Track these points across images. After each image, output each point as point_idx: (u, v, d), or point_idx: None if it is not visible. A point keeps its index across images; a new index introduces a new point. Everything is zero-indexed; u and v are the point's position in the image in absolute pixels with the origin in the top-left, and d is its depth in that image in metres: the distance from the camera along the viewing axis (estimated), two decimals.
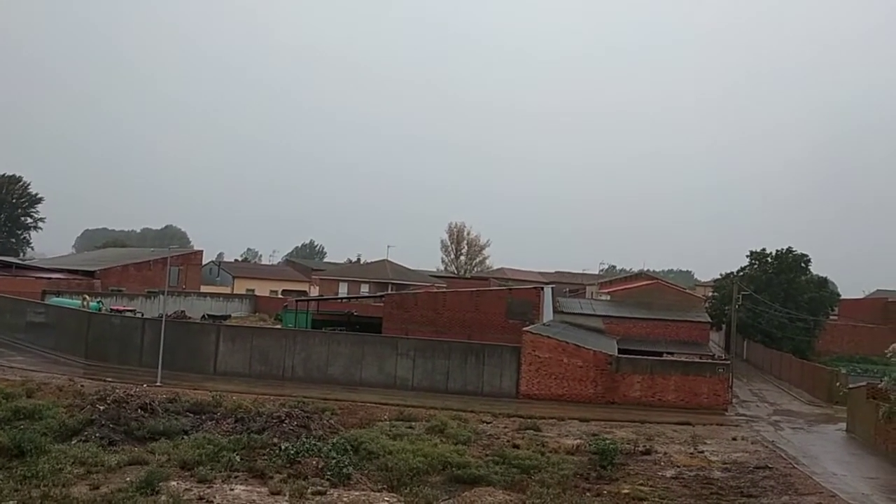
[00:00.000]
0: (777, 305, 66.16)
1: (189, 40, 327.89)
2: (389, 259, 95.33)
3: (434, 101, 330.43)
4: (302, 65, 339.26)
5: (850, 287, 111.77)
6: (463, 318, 52.37)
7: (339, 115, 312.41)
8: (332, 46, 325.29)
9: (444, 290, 65.46)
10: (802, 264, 71.96)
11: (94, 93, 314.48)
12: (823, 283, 73.35)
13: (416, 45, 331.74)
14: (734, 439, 33.27)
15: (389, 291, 68.25)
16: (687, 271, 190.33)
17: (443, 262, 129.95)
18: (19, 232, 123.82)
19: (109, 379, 37.31)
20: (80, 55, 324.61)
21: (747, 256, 74.84)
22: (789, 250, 72.63)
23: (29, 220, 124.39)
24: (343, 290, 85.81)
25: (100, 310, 53.41)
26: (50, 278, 71.71)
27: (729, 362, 47.77)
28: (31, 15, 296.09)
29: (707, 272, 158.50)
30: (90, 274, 78.18)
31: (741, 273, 73.29)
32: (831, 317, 77.42)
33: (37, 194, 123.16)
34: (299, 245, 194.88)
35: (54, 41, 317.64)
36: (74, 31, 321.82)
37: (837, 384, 47.36)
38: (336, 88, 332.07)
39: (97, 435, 25.43)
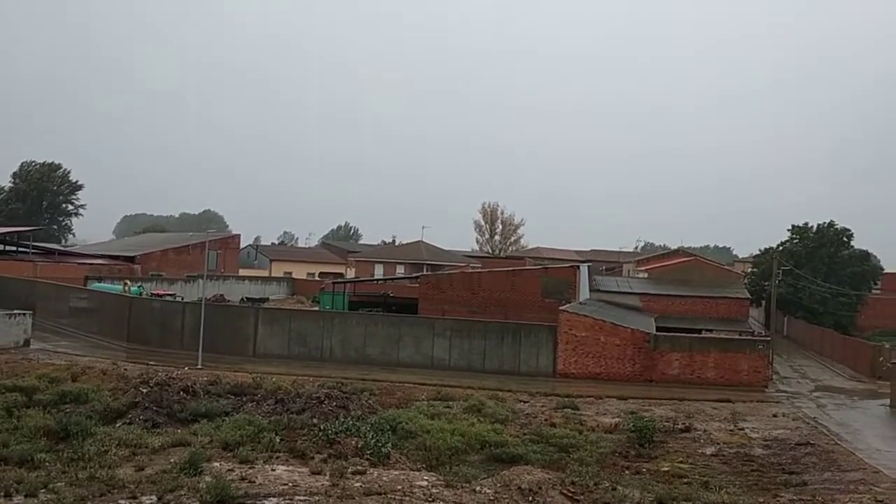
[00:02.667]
0: (818, 280, 65.16)
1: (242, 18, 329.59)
2: (424, 240, 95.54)
3: (466, 96, 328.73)
4: (337, 37, 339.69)
5: (894, 260, 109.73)
6: (499, 298, 52.33)
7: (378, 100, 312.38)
8: (376, 26, 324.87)
9: (480, 270, 65.40)
10: (844, 238, 70.80)
11: (132, 78, 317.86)
12: (866, 256, 72.17)
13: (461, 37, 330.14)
14: (775, 416, 32.91)
15: (425, 272, 68.37)
16: (725, 247, 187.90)
17: (477, 242, 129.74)
18: (61, 219, 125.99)
19: (152, 362, 37.92)
20: (121, 38, 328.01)
21: (788, 231, 73.81)
22: (831, 224, 71.49)
23: (70, 206, 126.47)
24: (379, 271, 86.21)
25: (141, 294, 54.27)
26: (91, 264, 73.02)
27: (769, 339, 47.24)
28: None
29: (746, 248, 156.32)
30: (130, 259, 79.52)
31: (781, 248, 72.21)
32: (874, 291, 76.09)
33: (77, 181, 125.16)
34: (334, 227, 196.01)
35: (99, 23, 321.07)
36: (128, 14, 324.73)
37: (881, 359, 46.57)
38: (369, 62, 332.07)
39: (141, 417, 25.95)
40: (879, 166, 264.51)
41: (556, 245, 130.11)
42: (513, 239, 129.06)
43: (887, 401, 37.94)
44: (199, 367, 37.55)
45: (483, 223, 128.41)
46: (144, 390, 28.30)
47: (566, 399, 33.49)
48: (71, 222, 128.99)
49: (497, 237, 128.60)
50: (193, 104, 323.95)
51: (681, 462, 24.33)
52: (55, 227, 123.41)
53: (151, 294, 55.76)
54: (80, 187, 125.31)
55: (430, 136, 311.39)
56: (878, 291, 79.02)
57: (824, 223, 71.72)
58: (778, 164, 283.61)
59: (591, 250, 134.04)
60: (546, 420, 29.55)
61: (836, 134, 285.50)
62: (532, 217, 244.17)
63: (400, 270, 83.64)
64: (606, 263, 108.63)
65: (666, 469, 23.38)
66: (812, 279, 64.93)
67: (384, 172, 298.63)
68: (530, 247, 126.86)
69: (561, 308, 43.40)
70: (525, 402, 33.46)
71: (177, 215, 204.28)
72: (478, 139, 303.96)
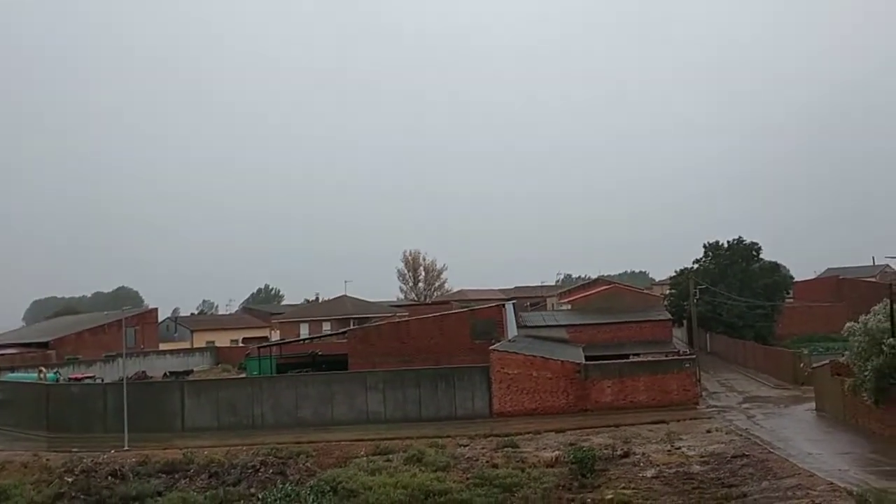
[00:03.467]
0: (734, 295, 67.21)
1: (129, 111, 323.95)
2: (348, 294, 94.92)
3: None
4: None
5: (801, 268, 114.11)
6: (429, 345, 52.03)
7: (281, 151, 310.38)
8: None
9: (407, 318, 65.05)
10: (753, 252, 73.25)
11: (24, 163, 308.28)
12: (775, 267, 74.69)
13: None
14: (709, 431, 33.60)
15: (352, 326, 67.75)
16: (642, 272, 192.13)
17: (401, 290, 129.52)
18: None
19: (75, 449, 36.34)
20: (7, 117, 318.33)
21: (704, 247, 75.93)
22: (740, 240, 73.94)
23: None
24: (304, 330, 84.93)
25: (57, 380, 52.16)
26: (2, 354, 69.85)
27: (694, 356, 48.27)
28: None
29: (662, 270, 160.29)
30: (44, 345, 76.35)
31: (696, 266, 74.34)
32: (787, 300, 78.78)
33: None
34: (255, 290, 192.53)
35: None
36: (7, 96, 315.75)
37: (801, 365, 48.20)
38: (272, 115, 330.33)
39: None
40: (783, 188, 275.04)
41: (480, 286, 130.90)
42: (437, 284, 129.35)
43: (812, 405, 39.21)
44: (126, 448, 36.21)
45: (406, 271, 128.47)
46: (70, 479, 27.16)
47: (506, 438, 33.52)
48: None
49: (421, 284, 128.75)
50: (94, 178, 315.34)
51: (624, 488, 24.55)
52: None
53: (69, 379, 53.62)
54: None
55: (345, 185, 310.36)
56: (791, 300, 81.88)
57: (734, 239, 74.19)
58: (686, 190, 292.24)
59: (515, 287, 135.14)
60: (488, 462, 29.45)
61: (741, 161, 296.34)
62: (453, 259, 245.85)
63: (326, 327, 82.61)
64: (531, 299, 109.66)
65: (610, 497, 23.56)
66: (728, 294, 66.94)
67: (301, 229, 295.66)
68: (455, 290, 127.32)
69: (491, 347, 43.56)
70: (465, 445, 33.31)
71: (90, 295, 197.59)
72: (386, 185, 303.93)
